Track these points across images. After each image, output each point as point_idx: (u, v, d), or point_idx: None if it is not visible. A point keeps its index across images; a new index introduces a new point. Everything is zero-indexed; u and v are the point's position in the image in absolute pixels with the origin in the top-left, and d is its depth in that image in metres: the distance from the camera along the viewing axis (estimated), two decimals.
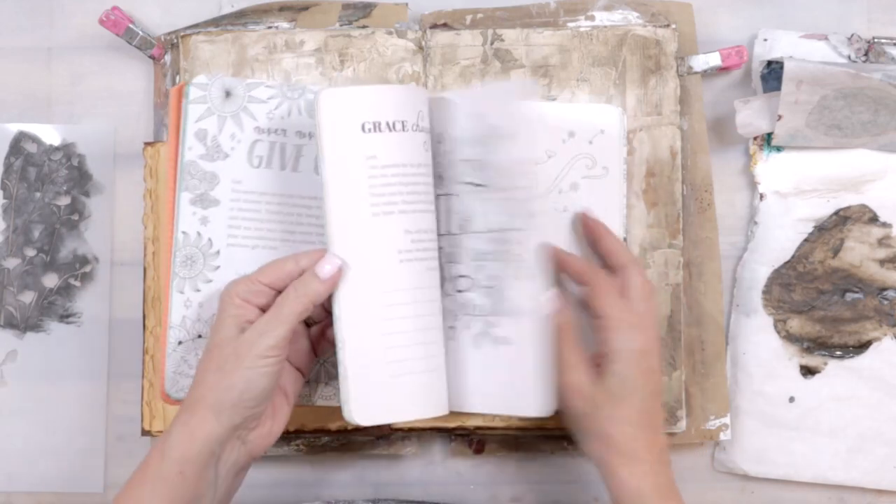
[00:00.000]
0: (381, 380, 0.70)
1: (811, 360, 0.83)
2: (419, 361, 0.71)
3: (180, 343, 0.77)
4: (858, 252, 0.83)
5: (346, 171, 0.70)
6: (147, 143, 0.83)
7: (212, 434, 0.66)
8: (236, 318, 0.68)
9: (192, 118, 0.78)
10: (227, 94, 0.78)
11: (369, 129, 0.70)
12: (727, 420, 0.83)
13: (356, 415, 0.70)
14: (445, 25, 0.84)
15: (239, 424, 0.67)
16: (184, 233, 0.77)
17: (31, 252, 0.85)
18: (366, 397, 0.70)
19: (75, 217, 0.85)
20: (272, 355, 0.67)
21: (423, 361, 0.72)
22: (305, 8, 0.85)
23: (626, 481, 0.69)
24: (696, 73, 0.84)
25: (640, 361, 0.71)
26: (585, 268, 0.74)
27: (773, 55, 0.84)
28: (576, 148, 0.79)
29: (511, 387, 0.73)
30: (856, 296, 0.83)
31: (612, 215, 0.79)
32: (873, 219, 0.84)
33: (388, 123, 0.71)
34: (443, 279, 0.75)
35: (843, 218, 0.84)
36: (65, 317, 0.85)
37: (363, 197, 0.70)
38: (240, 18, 0.84)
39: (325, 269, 0.69)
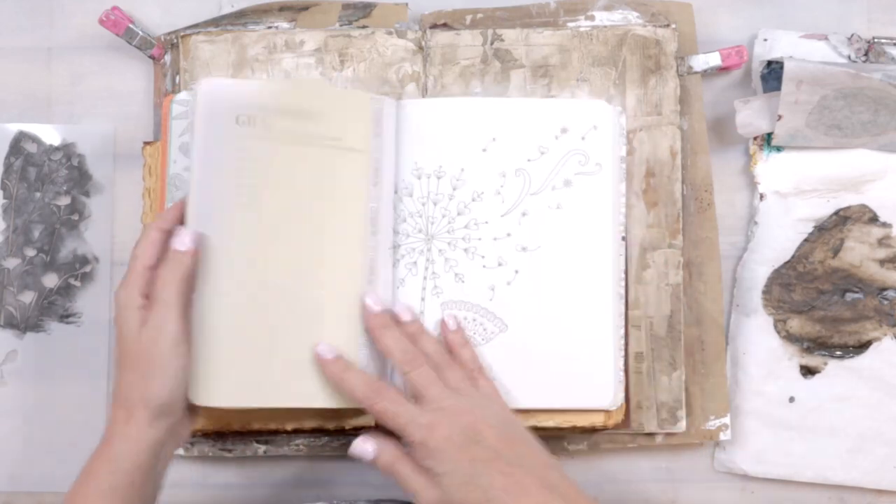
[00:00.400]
0: (223, 364, 0.72)
1: (811, 360, 0.83)
2: (280, 351, 0.73)
3: None
4: (858, 252, 0.83)
5: (217, 160, 0.73)
6: (146, 143, 0.83)
7: (155, 438, 0.68)
8: (141, 317, 0.69)
9: (176, 133, 0.79)
10: None
11: (244, 122, 0.73)
12: (727, 420, 0.82)
13: (192, 394, 0.71)
14: (445, 25, 0.84)
15: (176, 422, 0.69)
16: None
17: (31, 252, 0.85)
18: (207, 380, 0.72)
19: (75, 217, 0.85)
20: (181, 340, 0.68)
21: (289, 351, 0.73)
22: (305, 8, 0.85)
23: None
24: (696, 72, 0.84)
25: (448, 444, 0.68)
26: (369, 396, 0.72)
27: (773, 55, 0.84)
28: (568, 144, 0.79)
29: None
30: (856, 296, 0.83)
31: (606, 212, 0.79)
32: (873, 219, 0.84)
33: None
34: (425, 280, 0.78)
35: (843, 218, 0.84)
36: (65, 317, 0.85)
37: (228, 187, 0.73)
38: (240, 18, 0.84)
39: (183, 240, 0.70)
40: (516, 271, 0.79)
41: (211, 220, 0.72)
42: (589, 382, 0.77)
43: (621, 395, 0.79)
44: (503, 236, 0.79)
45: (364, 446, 0.71)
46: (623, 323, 0.80)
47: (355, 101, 0.77)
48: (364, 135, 0.76)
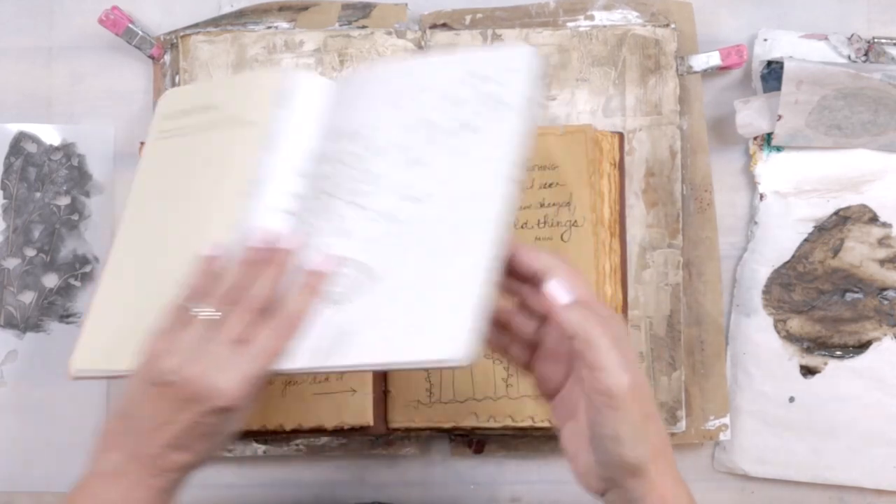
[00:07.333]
0: (98, 332, 0.72)
1: (811, 360, 0.83)
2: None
3: None
4: (858, 252, 0.83)
5: (147, 161, 0.76)
6: (143, 143, 0.83)
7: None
8: None
9: None
10: None
11: (167, 123, 0.76)
12: (727, 420, 0.82)
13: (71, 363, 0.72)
14: (445, 25, 0.84)
15: None
16: None
17: (31, 252, 0.85)
18: (84, 346, 0.72)
19: (75, 217, 0.85)
20: None
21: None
22: (305, 8, 0.85)
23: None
24: (696, 72, 0.84)
25: (636, 396, 0.59)
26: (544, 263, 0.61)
27: (773, 55, 0.84)
28: (480, 90, 0.67)
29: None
30: (856, 296, 0.83)
31: (506, 154, 0.65)
32: (873, 219, 0.84)
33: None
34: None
35: (843, 218, 0.84)
36: (65, 317, 0.85)
37: (148, 185, 0.75)
38: (239, 18, 0.84)
39: None
40: (404, 222, 0.67)
41: (133, 212, 0.75)
42: (437, 331, 0.63)
43: (477, 350, 0.61)
44: (401, 188, 0.68)
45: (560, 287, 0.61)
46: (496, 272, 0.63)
47: (261, 79, 0.76)
48: (262, 107, 0.73)
